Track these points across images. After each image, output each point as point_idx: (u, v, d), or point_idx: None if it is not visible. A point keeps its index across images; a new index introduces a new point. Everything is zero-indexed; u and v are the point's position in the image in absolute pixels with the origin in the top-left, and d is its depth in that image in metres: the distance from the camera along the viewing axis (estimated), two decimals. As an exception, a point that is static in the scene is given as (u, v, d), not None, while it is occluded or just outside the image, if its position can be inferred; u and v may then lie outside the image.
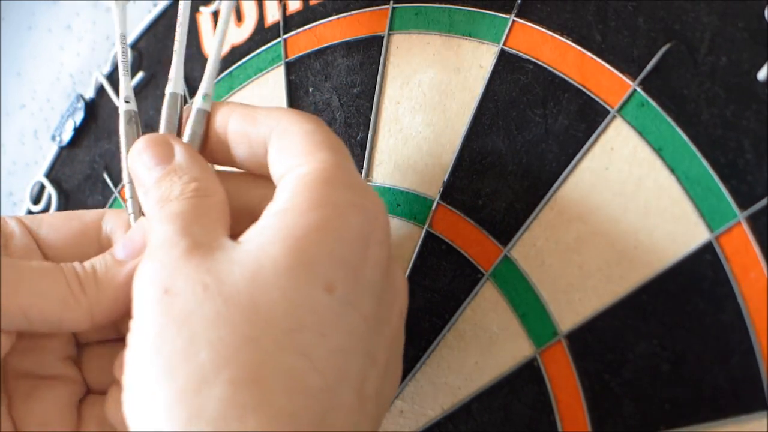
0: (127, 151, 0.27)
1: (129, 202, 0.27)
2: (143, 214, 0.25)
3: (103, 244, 0.27)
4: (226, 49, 0.40)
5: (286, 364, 0.19)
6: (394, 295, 0.24)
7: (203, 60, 0.41)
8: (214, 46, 0.29)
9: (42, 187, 0.48)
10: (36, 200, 0.48)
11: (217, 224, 0.23)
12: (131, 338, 0.21)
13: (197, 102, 0.27)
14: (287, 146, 0.24)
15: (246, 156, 0.26)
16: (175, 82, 0.28)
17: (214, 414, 0.18)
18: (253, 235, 0.22)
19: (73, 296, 0.23)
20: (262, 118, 0.25)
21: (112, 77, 0.46)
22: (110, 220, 0.28)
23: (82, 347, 0.27)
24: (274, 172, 0.25)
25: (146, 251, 0.23)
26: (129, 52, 0.32)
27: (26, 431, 0.24)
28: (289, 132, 0.24)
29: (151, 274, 0.21)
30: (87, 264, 0.24)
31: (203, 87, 0.28)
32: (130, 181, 0.27)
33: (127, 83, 0.30)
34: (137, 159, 0.26)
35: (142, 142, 0.26)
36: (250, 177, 0.27)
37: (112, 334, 0.27)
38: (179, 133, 0.27)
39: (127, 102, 0.29)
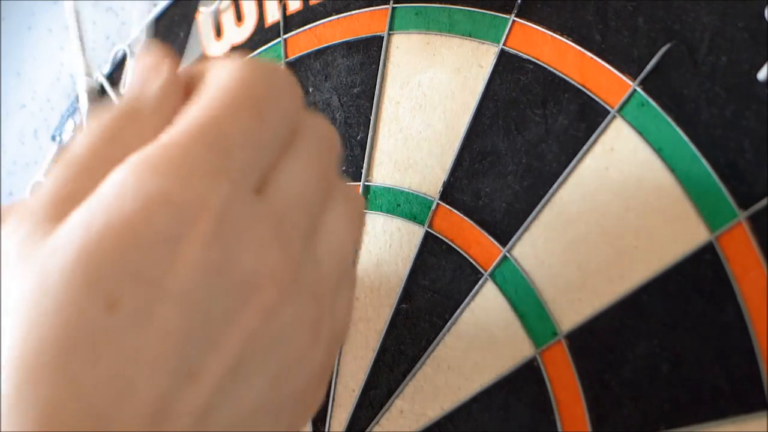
0: None
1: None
2: None
3: None
4: (226, 49, 0.40)
5: (48, 394, 0.18)
6: (244, 291, 0.20)
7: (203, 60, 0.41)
8: None
9: (42, 187, 0.48)
10: (36, 200, 0.48)
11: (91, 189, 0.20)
12: None
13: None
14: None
15: None
16: None
17: None
18: (62, 226, 0.19)
19: None
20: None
21: (112, 77, 0.46)
22: None
23: None
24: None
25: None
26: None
27: None
28: (200, 94, 0.22)
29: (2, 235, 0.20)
30: None
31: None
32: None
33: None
34: (137, 62, 0.23)
35: (149, 53, 0.23)
36: None
37: None
38: None
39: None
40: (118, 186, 0.19)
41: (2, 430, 0.17)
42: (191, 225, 0.19)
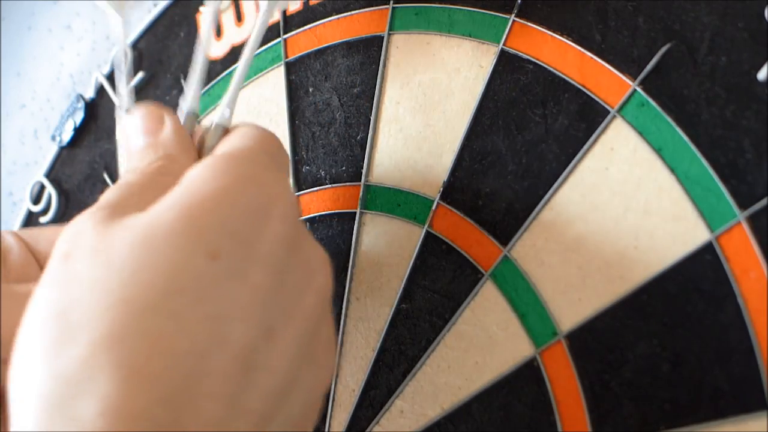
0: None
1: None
2: None
3: None
4: (226, 49, 0.40)
5: (153, 325, 0.19)
6: (308, 275, 0.23)
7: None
8: (242, 60, 0.29)
9: (42, 187, 0.48)
10: (36, 200, 0.48)
11: (154, 200, 0.23)
12: (29, 304, 0.21)
13: (216, 116, 0.27)
14: (224, 141, 0.25)
15: None
16: (191, 100, 0.28)
17: (69, 373, 0.18)
18: (156, 204, 0.22)
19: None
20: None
21: (112, 77, 0.46)
22: None
23: None
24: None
25: None
26: (129, 54, 0.32)
27: None
28: (233, 134, 0.26)
29: (62, 240, 0.22)
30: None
31: (225, 101, 0.28)
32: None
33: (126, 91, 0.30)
34: (130, 122, 0.26)
35: (141, 109, 0.26)
36: None
37: None
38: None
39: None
40: (208, 169, 0.22)
41: (114, 357, 0.19)
42: (274, 203, 0.23)
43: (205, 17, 0.34)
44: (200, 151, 0.27)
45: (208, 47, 0.31)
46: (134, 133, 0.26)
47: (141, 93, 0.44)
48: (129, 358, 0.19)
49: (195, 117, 0.28)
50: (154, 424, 0.18)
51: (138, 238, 0.20)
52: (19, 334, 0.21)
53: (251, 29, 0.39)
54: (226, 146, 0.25)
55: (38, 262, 0.27)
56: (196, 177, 0.22)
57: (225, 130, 0.27)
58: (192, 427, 0.19)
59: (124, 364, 0.19)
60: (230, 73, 0.39)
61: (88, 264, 0.20)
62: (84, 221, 0.22)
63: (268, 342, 0.21)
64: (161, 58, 0.43)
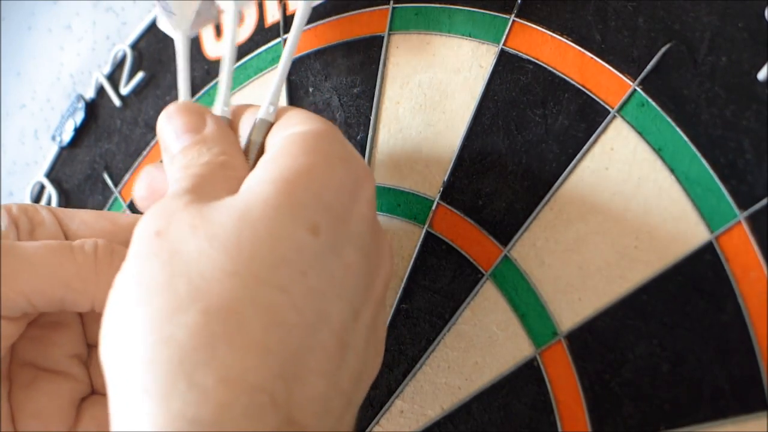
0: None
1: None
2: None
3: None
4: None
5: (264, 297, 0.19)
6: (380, 260, 0.24)
7: (203, 61, 0.41)
8: (284, 54, 0.29)
9: (42, 187, 0.48)
10: (36, 200, 0.48)
11: (228, 192, 0.23)
12: (119, 277, 0.21)
13: (261, 112, 0.26)
14: (286, 122, 0.25)
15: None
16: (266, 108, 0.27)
17: (183, 340, 0.18)
18: (245, 182, 0.22)
19: (81, 279, 0.23)
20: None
21: (112, 77, 0.46)
22: None
23: (93, 347, 0.27)
24: (269, 140, 0.25)
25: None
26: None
27: (21, 419, 0.24)
28: (292, 115, 0.25)
29: (148, 219, 0.22)
30: (108, 244, 0.24)
31: (269, 97, 0.27)
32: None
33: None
34: (166, 124, 0.25)
35: (173, 107, 0.26)
36: None
37: None
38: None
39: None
40: (295, 146, 0.22)
41: (231, 327, 0.19)
42: (362, 183, 0.23)
43: (226, 18, 0.33)
44: (245, 150, 0.27)
45: (234, 49, 0.30)
46: (174, 134, 0.25)
47: (141, 93, 0.44)
48: (246, 329, 0.19)
49: (227, 120, 0.28)
50: (272, 397, 0.18)
51: (239, 214, 0.21)
52: (110, 305, 0.21)
53: (252, 29, 0.39)
54: (298, 126, 0.24)
55: (68, 239, 0.26)
56: (284, 153, 0.22)
57: (270, 125, 0.26)
58: (301, 403, 0.19)
59: (242, 335, 0.19)
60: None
61: (186, 239, 0.20)
62: (171, 203, 0.22)
63: (355, 322, 0.21)
64: (161, 58, 0.43)
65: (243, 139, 0.26)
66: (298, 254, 0.20)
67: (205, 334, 0.19)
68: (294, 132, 0.23)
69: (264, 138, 0.26)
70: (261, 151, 0.26)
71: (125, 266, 0.21)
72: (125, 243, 0.26)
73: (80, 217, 0.27)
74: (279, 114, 0.26)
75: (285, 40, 0.37)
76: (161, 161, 0.27)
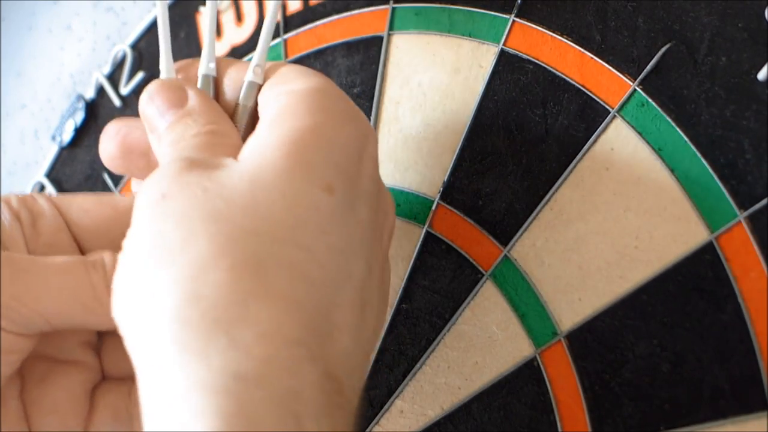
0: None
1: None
2: None
3: None
4: (226, 49, 0.40)
5: (288, 255, 0.19)
6: (385, 215, 0.24)
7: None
8: (268, 13, 0.28)
9: (42, 187, 0.48)
10: (36, 200, 0.48)
11: (226, 158, 0.22)
12: (126, 242, 0.21)
13: (249, 75, 0.26)
14: (280, 78, 0.25)
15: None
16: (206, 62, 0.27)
17: (213, 298, 0.18)
18: (250, 145, 0.22)
19: (97, 299, 0.23)
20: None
21: (113, 77, 0.46)
22: None
23: (103, 333, 0.27)
24: (263, 99, 0.25)
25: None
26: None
27: (38, 416, 0.23)
28: (286, 71, 0.25)
29: (150, 184, 0.21)
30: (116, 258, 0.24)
31: (256, 58, 0.26)
32: None
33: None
34: (148, 103, 0.25)
35: (153, 86, 0.25)
36: None
37: None
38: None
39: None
40: (300, 104, 0.22)
41: (261, 283, 0.19)
42: (368, 140, 0.23)
43: (204, 19, 0.33)
44: (233, 112, 0.26)
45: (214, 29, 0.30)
46: (157, 112, 0.25)
47: (141, 93, 0.44)
48: (275, 286, 0.19)
49: (211, 80, 0.27)
50: (308, 351, 0.18)
51: (250, 177, 0.20)
52: (122, 270, 0.20)
53: (252, 29, 0.39)
54: (295, 83, 0.24)
55: (70, 229, 0.26)
56: (287, 113, 0.22)
57: (259, 87, 0.26)
58: (331, 358, 0.19)
59: (271, 291, 0.19)
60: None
61: (199, 201, 0.20)
62: (172, 167, 0.21)
63: (370, 278, 0.21)
64: (161, 58, 0.43)
65: (228, 94, 0.26)
66: (316, 214, 0.20)
67: (236, 291, 0.18)
68: (293, 89, 0.23)
69: (254, 101, 0.26)
70: (252, 114, 0.25)
71: (133, 232, 0.21)
72: (126, 228, 0.25)
73: (77, 204, 0.26)
74: (270, 70, 0.26)
75: (285, 40, 0.37)
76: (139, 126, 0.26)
